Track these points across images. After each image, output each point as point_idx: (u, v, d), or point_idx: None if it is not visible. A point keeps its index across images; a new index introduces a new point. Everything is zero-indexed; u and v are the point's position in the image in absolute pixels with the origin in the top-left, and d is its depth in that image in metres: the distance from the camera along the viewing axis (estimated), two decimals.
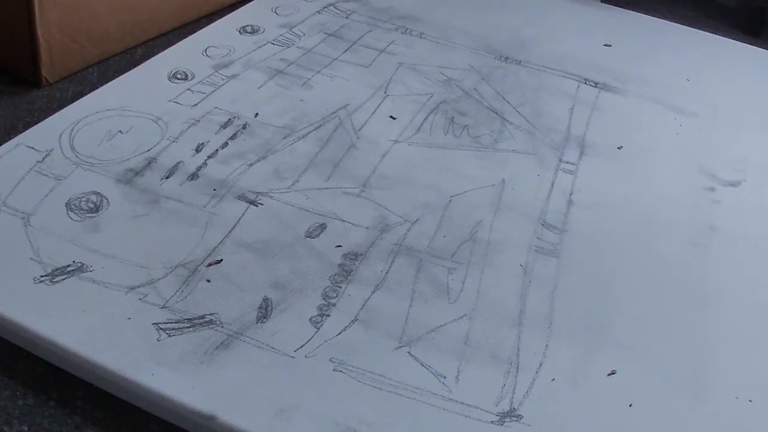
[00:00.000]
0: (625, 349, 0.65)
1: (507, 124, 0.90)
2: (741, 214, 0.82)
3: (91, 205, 0.71)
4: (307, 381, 0.58)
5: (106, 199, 0.72)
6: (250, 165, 0.79)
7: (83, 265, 0.65)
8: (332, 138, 0.84)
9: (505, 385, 0.60)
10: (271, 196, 0.75)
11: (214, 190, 0.75)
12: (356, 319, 0.64)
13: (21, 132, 0.79)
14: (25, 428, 0.56)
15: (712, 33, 1.18)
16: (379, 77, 0.96)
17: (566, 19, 1.17)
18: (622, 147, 0.89)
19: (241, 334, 0.61)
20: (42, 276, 0.63)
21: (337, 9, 1.11)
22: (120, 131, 0.81)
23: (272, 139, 0.83)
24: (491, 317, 0.66)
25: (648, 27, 1.17)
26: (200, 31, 1.02)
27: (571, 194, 0.81)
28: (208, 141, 0.81)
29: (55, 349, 0.58)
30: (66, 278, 0.64)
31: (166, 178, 0.76)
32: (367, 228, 0.73)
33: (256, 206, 0.74)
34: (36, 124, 0.81)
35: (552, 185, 0.82)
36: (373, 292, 0.67)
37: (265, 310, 0.63)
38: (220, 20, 1.05)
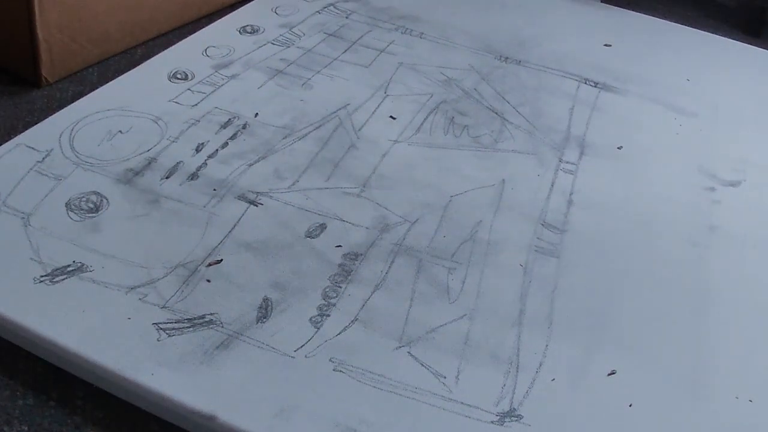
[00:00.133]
0: (625, 349, 0.65)
1: (507, 124, 0.90)
2: (741, 214, 0.82)
3: (91, 205, 0.71)
4: (307, 381, 0.58)
5: (106, 199, 0.72)
6: (250, 165, 0.79)
7: (83, 265, 0.65)
8: (332, 138, 0.84)
9: (505, 385, 0.60)
10: (271, 196, 0.75)
11: (214, 190, 0.75)
12: (356, 319, 0.64)
13: (21, 132, 0.79)
14: (25, 428, 0.56)
15: (712, 33, 1.18)
16: (379, 77, 0.96)
17: (566, 19, 1.17)
18: (622, 147, 0.89)
19: (241, 334, 0.61)
20: (42, 276, 0.63)
21: (337, 9, 1.11)
22: (120, 131, 0.81)
23: (272, 139, 0.83)
24: (491, 317, 0.66)
25: (648, 27, 1.17)
26: (200, 31, 1.02)
27: (571, 194, 0.81)
28: (208, 141, 0.81)
29: (55, 349, 0.58)
30: (66, 278, 0.64)
31: (166, 178, 0.76)
32: (367, 228, 0.73)
33: (256, 206, 0.74)
34: (36, 124, 0.81)
35: (552, 185, 0.82)
36: (373, 292, 0.67)
37: (265, 310, 0.63)
38: (220, 20, 1.05)
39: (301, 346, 0.61)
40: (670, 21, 1.20)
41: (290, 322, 0.63)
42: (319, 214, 0.74)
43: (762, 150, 0.92)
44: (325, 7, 1.11)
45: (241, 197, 0.75)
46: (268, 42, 1.00)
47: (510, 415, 0.58)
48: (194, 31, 1.02)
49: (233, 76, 0.92)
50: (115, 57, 0.97)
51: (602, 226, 0.77)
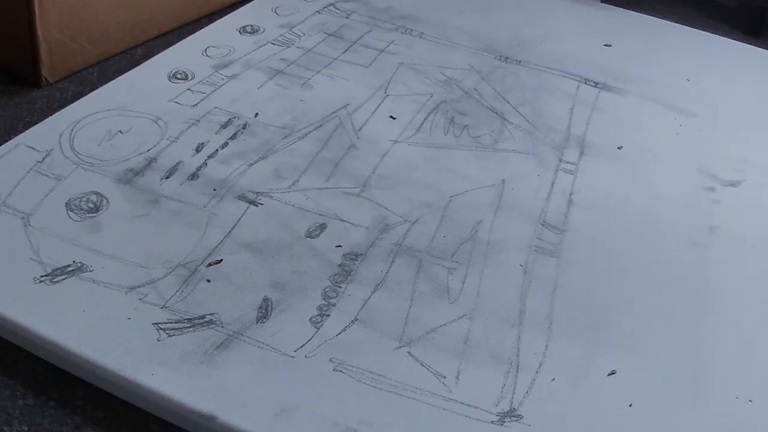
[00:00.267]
0: (625, 349, 0.65)
1: (507, 124, 0.90)
2: (741, 214, 0.82)
3: (91, 205, 0.71)
4: (307, 381, 0.58)
5: (106, 199, 0.72)
6: (250, 165, 0.79)
7: (83, 265, 0.65)
8: (332, 138, 0.84)
9: (505, 385, 0.60)
10: (271, 196, 0.75)
11: (214, 190, 0.75)
12: (356, 319, 0.64)
13: (21, 132, 0.79)
14: (25, 428, 0.56)
15: (712, 33, 1.18)
16: (379, 77, 0.96)
17: (566, 19, 1.17)
18: (622, 147, 0.89)
19: (241, 334, 0.61)
20: (42, 276, 0.63)
21: (337, 9, 1.11)
22: (120, 131, 0.81)
23: (272, 139, 0.83)
24: (491, 317, 0.66)
25: (648, 27, 1.17)
26: (200, 31, 1.02)
27: (571, 194, 0.81)
28: (208, 141, 0.81)
29: (55, 349, 0.58)
30: (66, 278, 0.64)
31: (166, 178, 0.76)
32: (367, 228, 0.73)
33: (256, 206, 0.74)
34: (36, 124, 0.81)
35: (552, 185, 0.82)
36: (373, 292, 0.67)
37: (265, 310, 0.63)
38: (220, 20, 1.05)
39: (301, 346, 0.61)
40: (670, 21, 1.20)
41: (290, 322, 0.63)
42: (319, 214, 0.74)
43: (762, 150, 0.92)
44: (325, 7, 1.11)
45: (241, 197, 0.75)
46: (268, 42, 1.00)
47: (510, 415, 0.58)
48: (194, 31, 1.02)
49: (233, 76, 0.92)
50: (115, 57, 0.97)
51: (602, 226, 0.77)
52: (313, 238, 0.71)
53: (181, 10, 1.04)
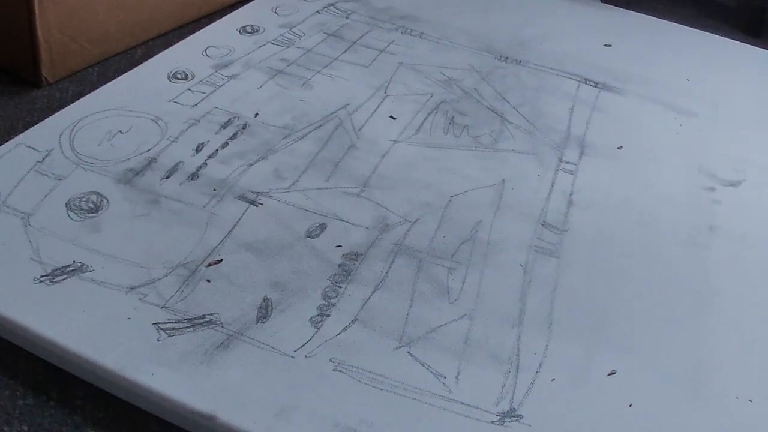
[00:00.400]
0: (625, 349, 0.65)
1: (507, 124, 0.90)
2: (741, 214, 0.82)
3: (91, 205, 0.71)
4: (307, 381, 0.58)
5: (106, 199, 0.72)
6: (250, 165, 0.79)
7: (83, 265, 0.65)
8: (332, 138, 0.84)
9: (505, 385, 0.60)
10: (271, 196, 0.75)
11: (214, 190, 0.75)
12: (356, 319, 0.64)
13: (21, 132, 0.79)
14: (25, 428, 0.56)
15: (712, 33, 1.18)
16: (379, 77, 0.96)
17: (566, 19, 1.17)
18: (622, 147, 0.89)
19: (241, 334, 0.61)
20: (42, 276, 0.63)
21: (337, 9, 1.11)
22: (120, 131, 0.81)
23: (272, 139, 0.83)
24: (491, 317, 0.66)
25: (648, 27, 1.17)
26: (200, 31, 1.02)
27: (571, 194, 0.81)
28: (208, 141, 0.81)
29: (55, 349, 0.58)
30: (66, 278, 0.64)
31: (166, 178, 0.76)
32: (367, 228, 0.73)
33: (256, 206, 0.74)
34: (36, 124, 0.81)
35: (552, 185, 0.82)
36: (373, 292, 0.67)
37: (265, 310, 0.63)
38: (220, 20, 1.05)
39: (301, 346, 0.61)
40: (670, 21, 1.20)
41: (290, 322, 0.63)
42: (319, 214, 0.74)
43: (762, 150, 0.92)
44: (325, 7, 1.11)
45: (241, 197, 0.75)
46: (268, 42, 1.00)
47: (510, 415, 0.58)
48: (194, 31, 1.02)
49: (233, 76, 0.92)
50: (115, 57, 0.97)
51: (602, 226, 0.78)
52: (313, 238, 0.71)
53: (181, 10, 1.04)
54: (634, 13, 1.21)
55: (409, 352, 0.62)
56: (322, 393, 0.57)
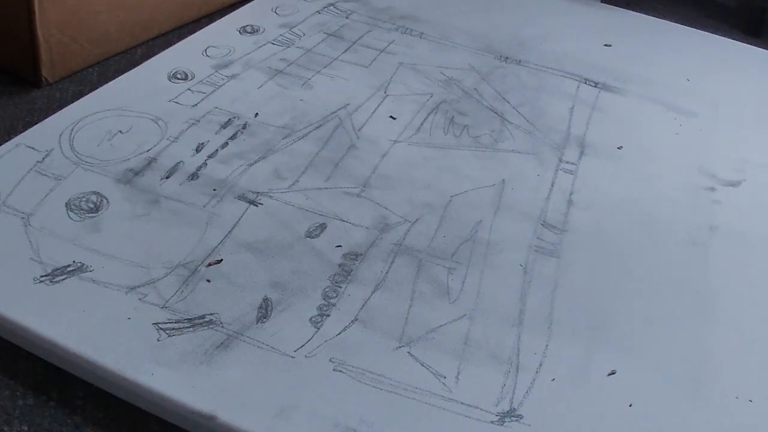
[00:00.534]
0: (625, 349, 0.65)
1: (507, 124, 0.90)
2: (741, 214, 0.82)
3: (91, 205, 0.71)
4: (307, 381, 0.58)
5: (106, 199, 0.72)
6: (250, 165, 0.79)
7: (83, 265, 0.65)
8: (332, 138, 0.84)
9: (505, 385, 0.60)
10: (271, 196, 0.75)
11: (214, 190, 0.75)
12: (356, 319, 0.64)
13: (21, 132, 0.79)
14: (25, 428, 0.56)
15: (712, 33, 1.18)
16: (379, 77, 0.96)
17: (566, 19, 1.17)
18: (622, 147, 0.89)
19: (241, 334, 0.61)
20: (42, 276, 0.63)
21: (337, 9, 1.11)
22: (120, 131, 0.81)
23: (272, 139, 0.83)
24: (491, 317, 0.66)
25: (648, 27, 1.17)
26: (200, 31, 1.02)
27: (571, 194, 0.81)
28: (208, 141, 0.81)
29: (55, 349, 0.58)
30: (66, 278, 0.64)
31: (166, 178, 0.76)
32: (367, 228, 0.73)
33: (256, 206, 0.74)
34: (36, 124, 0.81)
35: (552, 185, 0.82)
36: (373, 292, 0.67)
37: (265, 310, 0.63)
38: (220, 20, 1.05)
39: (301, 346, 0.61)
40: (670, 21, 1.20)
41: (290, 322, 0.63)
42: (319, 214, 0.74)
43: (762, 150, 0.92)
44: (325, 7, 1.11)
45: (241, 197, 0.75)
46: (268, 42, 1.00)
47: (510, 415, 0.58)
48: (194, 31, 1.02)
49: (233, 76, 0.92)
50: (115, 57, 0.97)
51: (602, 226, 0.78)
52: (313, 238, 0.71)
53: (181, 10, 1.04)
54: (634, 13, 1.21)
55: (409, 352, 0.62)
56: (322, 393, 0.57)
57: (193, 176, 0.76)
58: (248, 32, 1.02)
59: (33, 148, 0.77)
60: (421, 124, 0.88)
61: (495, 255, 0.72)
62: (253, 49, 0.98)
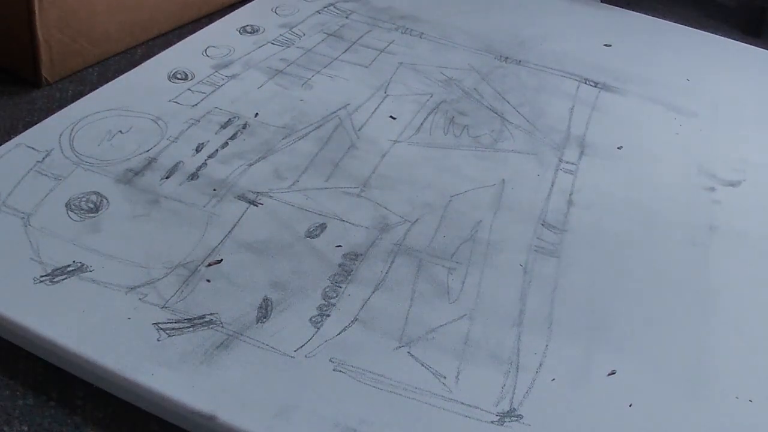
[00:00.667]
0: (625, 349, 0.65)
1: (507, 124, 0.90)
2: (741, 214, 0.82)
3: (91, 205, 0.71)
4: (307, 381, 0.58)
5: (106, 199, 0.72)
6: (250, 165, 0.79)
7: (83, 265, 0.65)
8: (332, 138, 0.84)
9: (505, 385, 0.60)
10: (271, 196, 0.75)
11: (214, 190, 0.75)
12: (356, 319, 0.64)
13: (21, 132, 0.80)
14: (25, 428, 0.56)
15: (712, 33, 1.18)
16: (379, 77, 0.96)
17: (566, 19, 1.17)
18: (622, 147, 0.89)
19: (241, 334, 0.61)
20: (42, 276, 0.63)
21: (337, 9, 1.11)
22: (120, 131, 0.81)
23: (272, 139, 0.83)
24: (491, 317, 0.66)
25: (648, 27, 1.17)
26: (200, 31, 1.02)
27: (571, 194, 0.81)
28: (208, 141, 0.81)
29: (55, 349, 0.58)
30: (66, 278, 0.64)
31: (166, 178, 0.76)
32: (367, 228, 0.73)
33: (256, 206, 0.74)
34: (36, 124, 0.81)
35: (552, 185, 0.82)
36: (373, 292, 0.67)
37: (265, 310, 0.63)
38: (220, 20, 1.05)
39: (301, 346, 0.61)
40: (670, 21, 1.20)
41: (290, 322, 0.63)
42: (319, 214, 0.74)
43: (762, 150, 0.92)
44: (325, 7, 1.11)
45: (241, 197, 0.75)
46: (268, 42, 1.00)
47: (510, 415, 0.58)
48: (194, 31, 1.02)
49: (233, 76, 0.92)
50: (115, 57, 0.97)
51: (602, 226, 0.78)
52: (313, 238, 0.71)
53: (181, 10, 1.04)
54: (634, 13, 1.21)
55: (409, 352, 0.62)
56: (322, 393, 0.57)
57: (193, 176, 0.76)
58: (248, 32, 1.02)
59: (33, 148, 0.77)
60: (421, 124, 0.88)
61: (495, 255, 0.72)
62: (253, 49, 0.98)
